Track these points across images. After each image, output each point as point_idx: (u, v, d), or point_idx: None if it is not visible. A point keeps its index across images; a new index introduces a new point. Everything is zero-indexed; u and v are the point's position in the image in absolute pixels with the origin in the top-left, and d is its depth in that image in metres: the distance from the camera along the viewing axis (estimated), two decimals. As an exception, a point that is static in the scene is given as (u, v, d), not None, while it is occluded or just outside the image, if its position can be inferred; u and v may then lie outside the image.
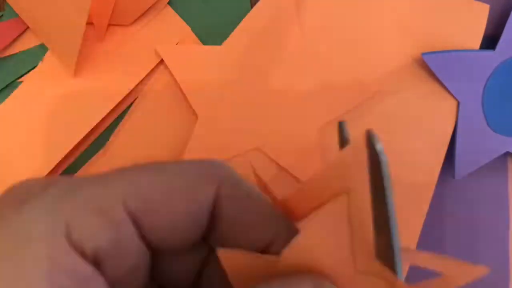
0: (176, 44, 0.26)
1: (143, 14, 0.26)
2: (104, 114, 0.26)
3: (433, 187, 0.24)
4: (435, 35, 0.24)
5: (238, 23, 0.26)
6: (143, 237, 0.12)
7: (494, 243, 0.25)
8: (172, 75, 0.25)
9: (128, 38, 0.26)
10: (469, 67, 0.23)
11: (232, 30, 0.26)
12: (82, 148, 0.27)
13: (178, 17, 0.27)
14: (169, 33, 0.27)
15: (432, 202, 0.24)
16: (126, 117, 0.26)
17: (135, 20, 0.26)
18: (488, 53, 0.23)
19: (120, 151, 0.25)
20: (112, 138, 0.26)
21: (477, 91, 0.24)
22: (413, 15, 0.25)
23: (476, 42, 0.24)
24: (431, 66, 0.23)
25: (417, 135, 0.25)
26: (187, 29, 0.27)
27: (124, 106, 0.26)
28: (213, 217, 0.13)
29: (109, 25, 0.26)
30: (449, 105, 0.24)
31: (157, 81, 0.26)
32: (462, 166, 0.24)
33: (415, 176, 0.24)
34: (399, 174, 0.24)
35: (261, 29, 0.24)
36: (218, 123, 0.24)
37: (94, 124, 0.25)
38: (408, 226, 0.23)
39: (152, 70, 0.26)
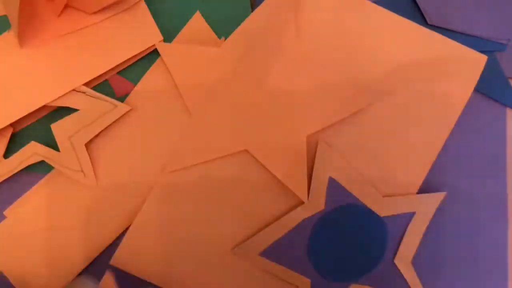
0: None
1: (110, 6, 0.24)
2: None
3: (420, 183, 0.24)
4: (426, 75, 0.25)
5: (238, 23, 0.24)
6: None
7: (493, 244, 0.25)
8: (168, 74, 0.24)
9: (88, 29, 0.24)
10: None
11: (232, 30, 0.24)
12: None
13: (149, 16, 0.24)
14: (134, 31, 0.24)
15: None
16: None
17: (99, 10, 0.24)
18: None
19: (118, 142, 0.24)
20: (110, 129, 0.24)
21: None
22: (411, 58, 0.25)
23: (468, 91, 0.24)
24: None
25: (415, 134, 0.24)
26: (156, 30, 0.24)
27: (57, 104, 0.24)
28: None
29: (69, 7, 0.23)
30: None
31: (152, 81, 0.24)
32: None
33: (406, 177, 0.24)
34: (391, 172, 0.24)
35: (259, 33, 0.24)
36: (210, 122, 0.24)
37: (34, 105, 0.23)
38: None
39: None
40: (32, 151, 0.23)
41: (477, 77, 0.24)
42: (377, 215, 0.23)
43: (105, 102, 0.23)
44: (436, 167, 0.24)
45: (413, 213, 0.23)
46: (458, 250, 0.25)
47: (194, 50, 0.24)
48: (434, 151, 0.24)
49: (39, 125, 0.24)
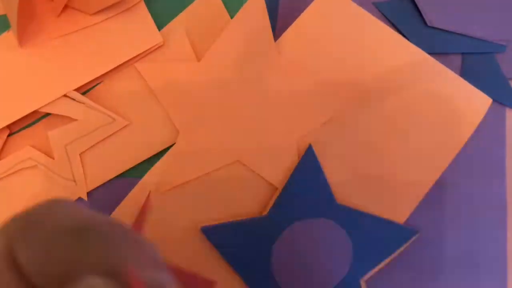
0: (155, 62, 0.24)
1: (109, 7, 0.23)
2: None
3: (427, 189, 0.24)
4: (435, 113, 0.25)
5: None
6: None
7: (492, 244, 0.25)
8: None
9: (88, 29, 0.23)
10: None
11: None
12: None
13: (149, 17, 0.23)
14: (134, 33, 0.23)
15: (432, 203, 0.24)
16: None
17: (99, 11, 0.23)
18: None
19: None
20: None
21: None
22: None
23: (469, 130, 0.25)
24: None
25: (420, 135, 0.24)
26: (156, 32, 0.23)
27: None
28: None
29: (69, 7, 0.23)
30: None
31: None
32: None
33: (409, 176, 0.24)
34: (394, 172, 0.24)
35: (238, 43, 0.24)
36: (199, 138, 0.24)
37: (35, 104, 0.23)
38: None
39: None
40: (27, 156, 0.23)
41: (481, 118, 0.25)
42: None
43: (103, 115, 0.23)
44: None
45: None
46: (457, 250, 0.24)
47: (176, 67, 0.24)
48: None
49: (36, 129, 0.23)
